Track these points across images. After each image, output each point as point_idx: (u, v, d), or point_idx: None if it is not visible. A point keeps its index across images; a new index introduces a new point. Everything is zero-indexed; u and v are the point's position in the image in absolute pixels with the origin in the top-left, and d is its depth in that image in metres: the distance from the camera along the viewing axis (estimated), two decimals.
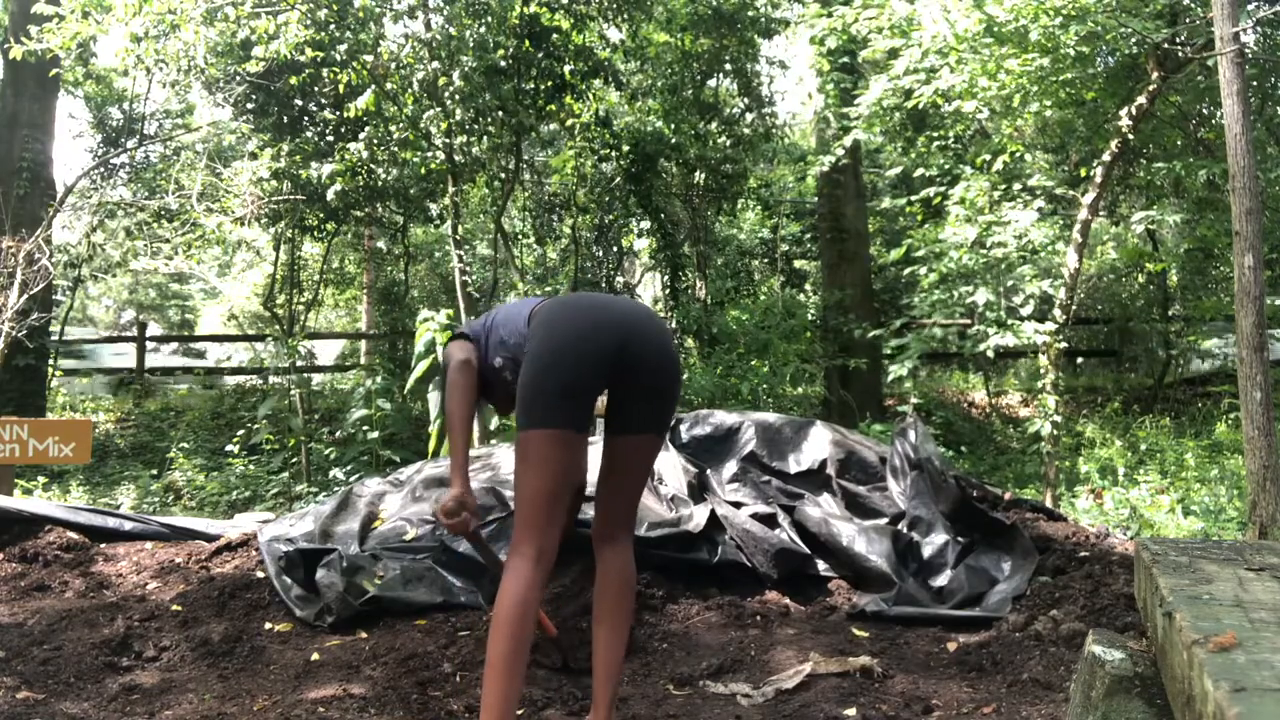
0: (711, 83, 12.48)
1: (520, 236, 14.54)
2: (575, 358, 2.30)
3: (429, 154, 8.62)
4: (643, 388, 2.41)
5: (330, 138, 10.56)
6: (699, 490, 4.11)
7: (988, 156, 8.15)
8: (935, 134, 8.99)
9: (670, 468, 4.21)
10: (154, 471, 9.12)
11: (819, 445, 4.44)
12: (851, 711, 2.67)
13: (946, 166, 8.36)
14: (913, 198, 9.10)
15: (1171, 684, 1.47)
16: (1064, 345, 7.69)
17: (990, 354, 7.49)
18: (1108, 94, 7.84)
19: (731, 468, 4.38)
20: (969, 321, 8.59)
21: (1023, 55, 6.60)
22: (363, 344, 15.43)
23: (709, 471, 4.31)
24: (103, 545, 4.24)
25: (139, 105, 13.44)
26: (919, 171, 8.60)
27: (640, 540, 3.61)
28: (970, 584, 3.65)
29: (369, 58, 8.21)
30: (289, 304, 14.16)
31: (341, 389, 12.10)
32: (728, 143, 12.01)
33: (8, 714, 2.67)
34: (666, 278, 12.71)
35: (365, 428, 7.32)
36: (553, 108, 9.64)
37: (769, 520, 3.98)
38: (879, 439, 5.70)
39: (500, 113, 8.65)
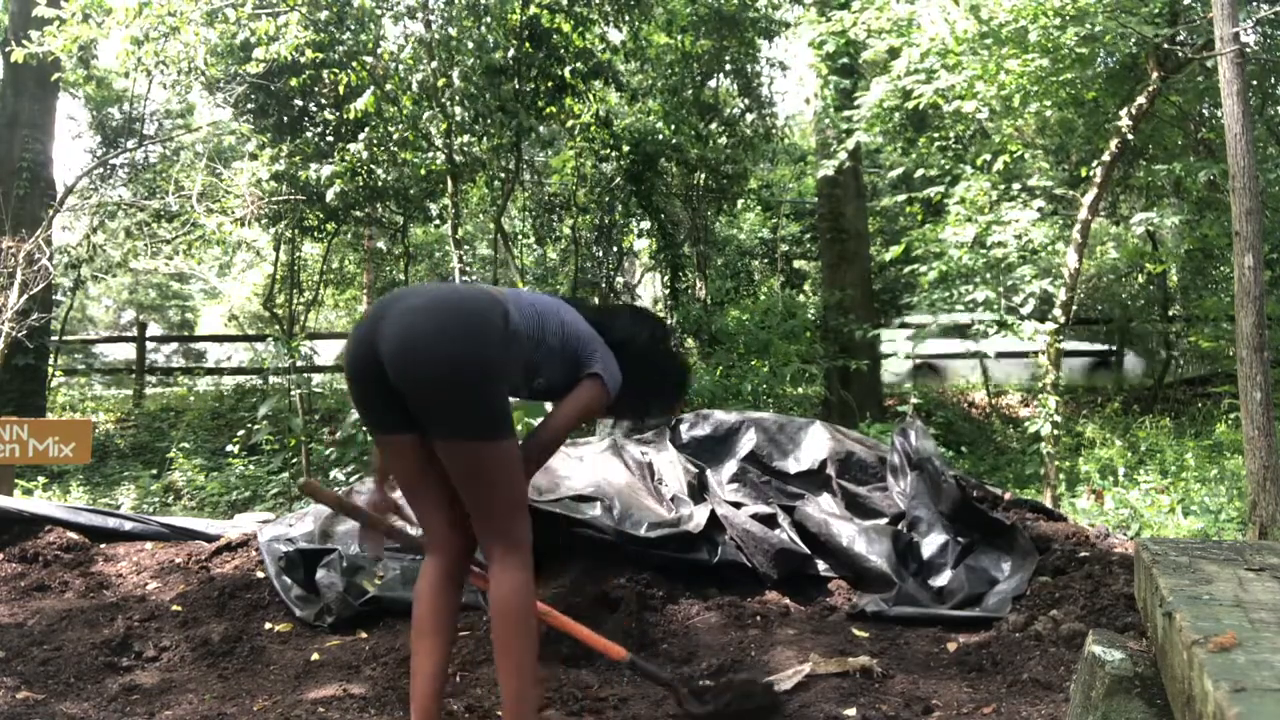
0: (712, 83, 12.49)
1: (520, 236, 14.54)
2: (346, 364, 2.32)
3: (429, 154, 8.62)
4: (402, 388, 2.17)
5: (330, 138, 10.55)
6: (699, 490, 4.11)
7: (988, 156, 8.14)
8: (935, 134, 8.97)
9: (670, 468, 4.20)
10: (154, 471, 9.11)
11: (819, 445, 4.43)
12: (851, 711, 2.67)
13: (947, 166, 8.35)
14: (913, 195, 9.09)
15: (1171, 684, 1.46)
16: (1064, 345, 7.69)
17: (991, 354, 7.49)
18: (1108, 94, 7.84)
19: (731, 468, 4.38)
20: (969, 321, 8.58)
21: (1022, 56, 6.60)
22: None
23: (709, 471, 4.30)
24: (103, 545, 4.25)
25: (139, 106, 13.44)
26: (919, 172, 8.58)
27: (640, 540, 3.61)
28: (970, 584, 3.65)
29: (369, 59, 8.21)
30: (289, 304, 14.15)
31: (341, 389, 12.08)
32: (728, 143, 12.00)
33: (8, 714, 2.67)
34: (666, 278, 12.72)
35: (365, 428, 7.31)
36: (553, 109, 9.64)
37: (769, 520, 3.97)
38: (879, 439, 5.70)
39: (500, 113, 8.65)
